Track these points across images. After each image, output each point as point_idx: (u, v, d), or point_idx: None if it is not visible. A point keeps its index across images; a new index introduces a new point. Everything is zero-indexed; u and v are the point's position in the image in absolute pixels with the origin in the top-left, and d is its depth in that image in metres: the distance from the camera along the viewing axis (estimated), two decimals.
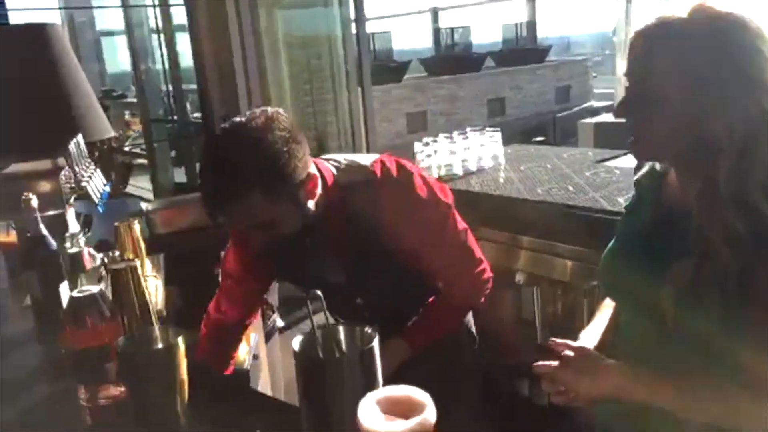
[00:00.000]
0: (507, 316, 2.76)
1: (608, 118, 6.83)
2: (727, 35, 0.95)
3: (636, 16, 9.16)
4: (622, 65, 9.05)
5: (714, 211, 0.96)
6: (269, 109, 1.31)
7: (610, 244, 1.22)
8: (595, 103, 9.95)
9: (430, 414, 0.74)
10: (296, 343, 0.99)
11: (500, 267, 2.61)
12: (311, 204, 1.35)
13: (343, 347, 1.01)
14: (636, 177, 1.20)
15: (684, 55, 0.96)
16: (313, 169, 1.36)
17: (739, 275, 0.94)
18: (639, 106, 1.01)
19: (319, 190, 1.36)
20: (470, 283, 1.56)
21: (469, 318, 1.74)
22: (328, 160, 1.47)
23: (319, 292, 1.05)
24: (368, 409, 0.76)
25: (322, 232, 1.41)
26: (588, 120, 6.61)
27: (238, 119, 1.31)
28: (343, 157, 1.48)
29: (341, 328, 1.02)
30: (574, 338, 2.41)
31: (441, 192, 1.48)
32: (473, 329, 1.76)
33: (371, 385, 0.95)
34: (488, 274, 1.58)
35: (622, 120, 1.06)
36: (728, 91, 0.94)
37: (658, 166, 1.16)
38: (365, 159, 1.46)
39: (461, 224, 1.53)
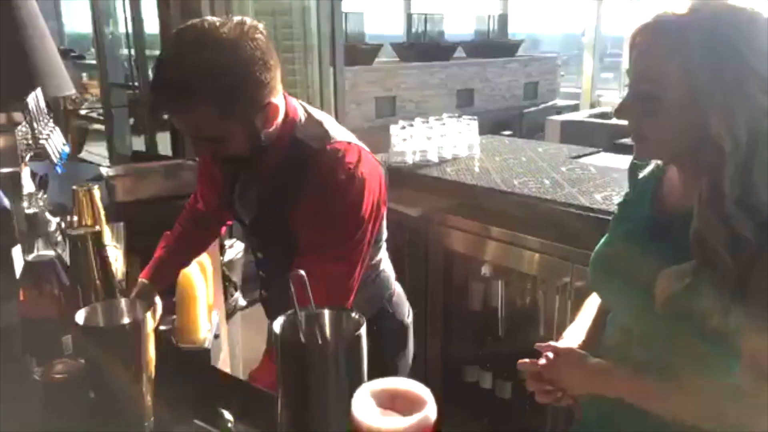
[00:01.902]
0: (472, 308, 2.74)
1: (575, 116, 6.90)
2: (729, 31, 0.92)
3: (606, 16, 9.28)
4: (589, 65, 9.15)
5: (716, 214, 0.93)
6: (247, 20, 1.21)
7: (602, 241, 1.19)
8: (560, 102, 10.05)
9: (430, 411, 0.68)
10: (277, 325, 0.92)
11: (469, 258, 2.59)
12: (264, 134, 1.29)
13: (327, 333, 0.95)
14: (640, 175, 1.16)
15: (683, 53, 0.92)
16: (279, 101, 1.28)
17: (739, 278, 0.92)
18: (641, 104, 0.98)
19: (278, 122, 1.30)
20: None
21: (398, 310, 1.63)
22: (306, 109, 1.39)
23: (302, 272, 0.97)
24: (363, 402, 0.69)
25: (255, 162, 1.35)
26: (556, 117, 6.65)
27: (212, 19, 1.21)
28: (325, 116, 1.40)
29: (326, 312, 0.95)
30: (532, 333, 2.42)
31: (369, 216, 1.33)
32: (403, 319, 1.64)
33: (356, 375, 0.89)
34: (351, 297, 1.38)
35: (623, 120, 1.02)
36: (730, 90, 0.91)
37: (659, 163, 1.13)
38: (340, 134, 1.37)
39: (354, 259, 1.35)
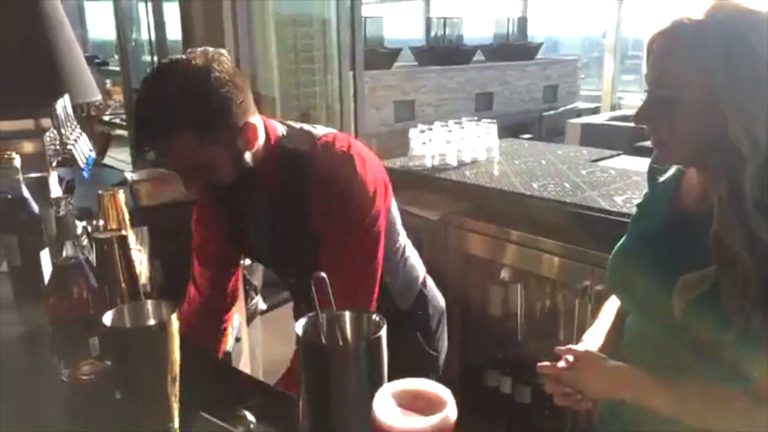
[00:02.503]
0: (492, 312, 2.74)
1: (595, 119, 6.85)
2: (746, 34, 0.92)
3: (627, 18, 9.21)
4: (610, 67, 9.09)
5: (735, 215, 0.93)
6: (210, 49, 1.27)
7: (620, 242, 1.19)
8: (580, 105, 9.99)
9: (451, 411, 0.69)
10: (299, 326, 0.93)
11: (488, 261, 2.59)
12: (248, 156, 1.32)
13: (348, 335, 0.96)
14: (661, 178, 1.16)
15: (701, 58, 0.93)
16: (256, 120, 1.32)
17: (760, 281, 0.91)
18: (660, 109, 0.98)
19: (260, 142, 1.34)
20: (353, 294, 1.36)
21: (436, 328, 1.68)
22: (284, 123, 1.45)
23: (323, 274, 0.98)
24: (384, 402, 0.71)
25: (254, 191, 1.40)
26: (576, 120, 6.61)
27: (177, 57, 1.28)
28: (301, 125, 1.45)
29: (347, 314, 0.96)
30: (552, 337, 2.41)
31: (377, 190, 1.39)
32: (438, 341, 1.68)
33: (377, 376, 0.90)
34: (374, 296, 1.41)
35: (642, 125, 1.02)
36: (748, 93, 0.91)
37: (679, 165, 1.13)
38: (321, 130, 1.44)
39: (376, 235, 1.40)
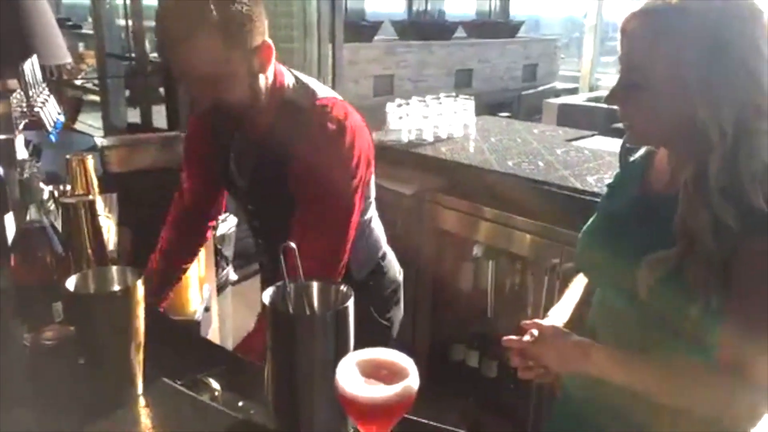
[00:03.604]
0: (462, 288, 2.76)
1: (572, 99, 6.88)
2: (719, 22, 0.92)
3: (608, 0, 9.22)
4: (590, 48, 9.11)
5: (702, 201, 0.94)
6: None
7: (589, 221, 1.20)
8: (559, 85, 10.01)
9: (413, 381, 0.70)
10: (266, 295, 0.93)
11: (461, 237, 2.61)
12: (262, 81, 1.34)
13: (315, 304, 0.96)
14: (632, 158, 1.17)
15: (673, 43, 0.93)
16: (271, 46, 1.34)
17: (721, 263, 0.93)
18: (630, 91, 0.98)
19: (271, 68, 1.36)
20: (321, 261, 1.35)
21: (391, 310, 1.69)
22: (293, 73, 1.46)
23: (292, 244, 0.98)
24: (347, 371, 0.71)
25: (244, 126, 1.43)
26: (553, 100, 6.64)
27: None
28: (308, 81, 1.46)
29: (315, 284, 0.96)
30: (520, 313, 2.44)
31: (360, 164, 1.40)
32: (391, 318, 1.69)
33: (343, 346, 0.91)
34: (340, 266, 1.41)
35: (614, 106, 1.03)
36: (718, 81, 0.91)
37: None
38: (327, 92, 1.45)
39: (350, 207, 1.41)
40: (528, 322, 1.17)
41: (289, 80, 1.42)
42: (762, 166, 0.92)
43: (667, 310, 1.01)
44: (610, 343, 1.07)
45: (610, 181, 1.25)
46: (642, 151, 1.15)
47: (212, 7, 1.22)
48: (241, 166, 1.52)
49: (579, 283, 1.30)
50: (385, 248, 1.69)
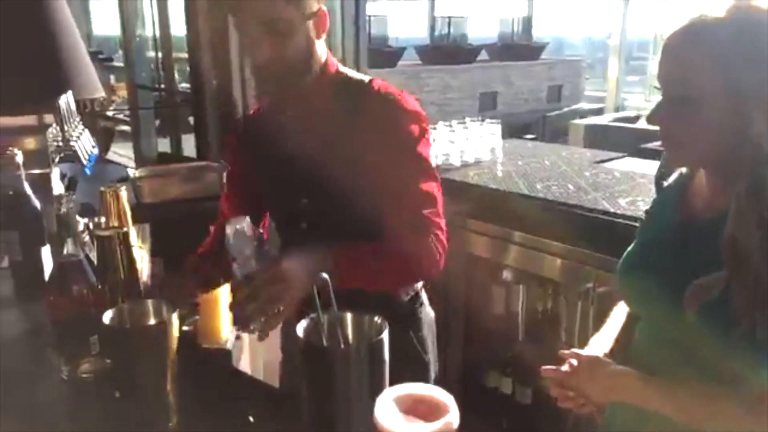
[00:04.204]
0: (493, 313, 2.73)
1: (599, 120, 6.84)
2: (765, 32, 0.90)
3: (632, 19, 9.19)
4: (615, 68, 9.07)
5: (755, 219, 0.91)
6: None
7: (629, 249, 1.18)
8: (584, 105, 9.97)
9: (453, 417, 0.69)
10: (300, 328, 0.93)
11: (490, 262, 2.58)
12: (317, 48, 1.34)
13: (350, 336, 0.95)
14: (667, 183, 1.15)
15: (723, 56, 0.91)
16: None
17: None
18: (676, 109, 0.96)
19: (323, 44, 1.35)
20: (420, 233, 1.34)
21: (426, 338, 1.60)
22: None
23: (326, 275, 0.98)
24: (386, 407, 0.70)
25: (303, 109, 1.40)
26: (579, 121, 6.60)
27: None
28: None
29: (349, 316, 0.96)
30: (553, 338, 2.39)
31: (428, 125, 1.41)
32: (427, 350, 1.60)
33: (378, 378, 0.90)
34: (444, 236, 1.40)
35: (656, 126, 1.01)
36: None
37: (684, 170, 1.12)
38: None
39: (432, 176, 1.39)
40: (567, 351, 1.15)
41: (338, 63, 1.43)
42: None
43: (712, 340, 0.98)
44: (654, 374, 1.05)
45: (644, 204, 1.23)
46: (675, 175, 1.13)
47: None
48: (304, 146, 1.42)
49: (620, 311, 1.27)
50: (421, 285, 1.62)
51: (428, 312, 1.61)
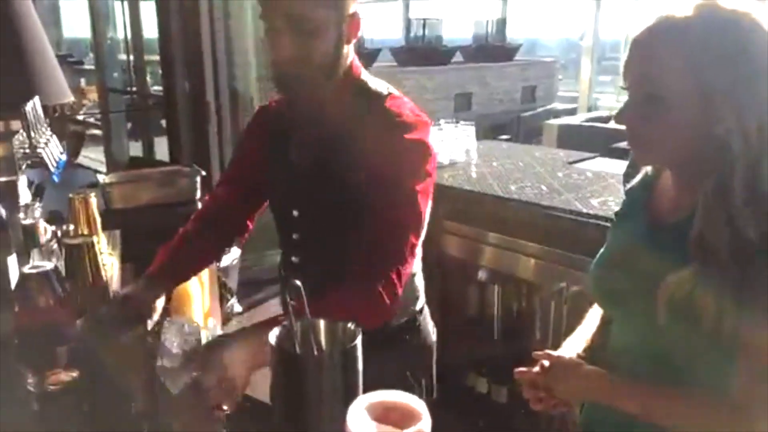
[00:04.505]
0: (469, 314, 2.74)
1: (572, 120, 6.91)
2: (733, 30, 0.92)
3: (604, 21, 9.30)
4: (587, 69, 9.17)
5: (723, 216, 0.92)
6: None
7: (600, 252, 1.19)
8: (558, 105, 10.06)
9: (425, 424, 0.68)
10: (273, 336, 0.92)
11: (465, 263, 2.59)
12: (345, 51, 1.28)
13: (323, 343, 0.95)
14: (629, 185, 1.16)
15: (692, 54, 0.92)
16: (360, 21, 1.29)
17: (739, 280, 0.91)
18: (645, 108, 0.96)
19: (352, 48, 1.30)
20: (371, 278, 1.21)
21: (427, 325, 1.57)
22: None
23: (298, 282, 0.97)
24: (358, 415, 0.70)
25: (314, 114, 1.34)
26: (553, 121, 6.65)
27: None
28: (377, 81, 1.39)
29: (322, 323, 0.95)
30: (528, 338, 2.41)
31: (432, 163, 1.32)
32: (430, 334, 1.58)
33: (352, 386, 0.89)
34: (403, 273, 1.25)
35: (623, 125, 1.01)
36: (743, 89, 0.91)
37: (650, 171, 1.13)
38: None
39: (413, 210, 1.29)
40: (539, 352, 1.15)
41: (364, 72, 1.37)
42: None
43: (681, 340, 1.00)
44: (627, 375, 1.06)
45: (616, 206, 1.24)
46: (639, 177, 1.14)
47: None
48: (303, 151, 1.38)
49: (595, 313, 1.28)
50: (423, 302, 1.56)
51: (427, 336, 1.55)
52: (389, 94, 1.34)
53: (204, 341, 1.21)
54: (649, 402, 1.01)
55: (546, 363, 1.12)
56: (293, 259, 1.47)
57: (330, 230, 1.35)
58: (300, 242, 1.43)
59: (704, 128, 0.93)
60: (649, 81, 0.95)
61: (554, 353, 1.15)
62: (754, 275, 0.90)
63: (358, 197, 1.25)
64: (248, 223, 1.60)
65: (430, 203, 1.33)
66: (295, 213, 1.41)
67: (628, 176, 1.19)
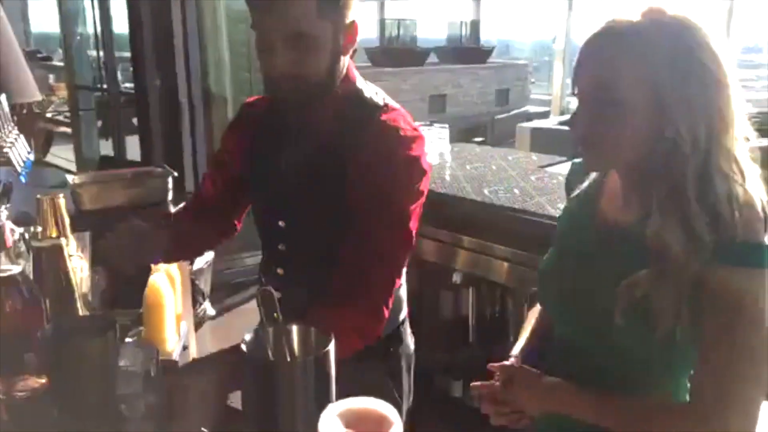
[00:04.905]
0: (443, 317, 2.75)
1: (544, 123, 6.98)
2: (683, 35, 0.94)
3: (576, 24, 9.41)
4: (560, 72, 9.27)
5: (677, 217, 0.94)
6: None
7: (547, 257, 1.19)
8: (531, 108, 10.15)
9: (396, 430, 0.69)
10: (245, 341, 0.91)
11: (439, 266, 2.60)
12: (342, 63, 1.25)
13: (296, 349, 0.95)
14: (578, 190, 1.16)
15: (642, 57, 0.94)
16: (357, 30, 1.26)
17: (694, 282, 0.94)
18: (598, 112, 0.97)
19: (346, 63, 1.27)
20: (348, 305, 1.18)
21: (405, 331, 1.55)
22: (362, 77, 1.36)
23: (271, 288, 0.97)
24: (330, 422, 0.70)
25: (306, 121, 1.30)
26: (526, 124, 6.70)
27: None
28: (375, 89, 1.35)
29: (294, 328, 0.95)
30: (502, 341, 2.42)
31: (425, 181, 1.30)
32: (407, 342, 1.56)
33: (325, 392, 0.89)
34: (388, 296, 1.27)
35: (575, 129, 1.02)
36: (690, 90, 0.93)
37: (594, 176, 1.14)
38: (385, 100, 1.34)
39: (401, 229, 1.27)
40: (496, 365, 1.16)
41: (360, 81, 1.33)
42: (739, 190, 0.94)
43: (633, 345, 1.01)
44: (575, 382, 1.06)
45: (559, 214, 1.25)
46: (586, 183, 1.15)
47: None
48: (295, 162, 1.34)
49: (533, 317, 1.29)
50: (406, 313, 1.54)
51: (407, 345, 1.55)
52: (385, 105, 1.31)
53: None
54: (617, 414, 1.01)
55: (505, 376, 1.12)
56: (278, 270, 1.42)
57: (319, 243, 1.32)
58: (286, 253, 1.40)
59: (656, 131, 0.95)
60: (602, 85, 0.96)
61: (513, 365, 1.15)
62: (710, 276, 0.93)
63: (350, 212, 1.24)
64: (236, 223, 1.57)
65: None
66: (282, 224, 1.38)
67: (570, 183, 1.21)
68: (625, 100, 0.95)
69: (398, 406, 1.46)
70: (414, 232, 1.28)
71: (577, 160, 1.22)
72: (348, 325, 1.12)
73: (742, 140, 0.97)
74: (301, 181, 1.32)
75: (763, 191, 0.98)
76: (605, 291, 1.00)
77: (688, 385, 1.04)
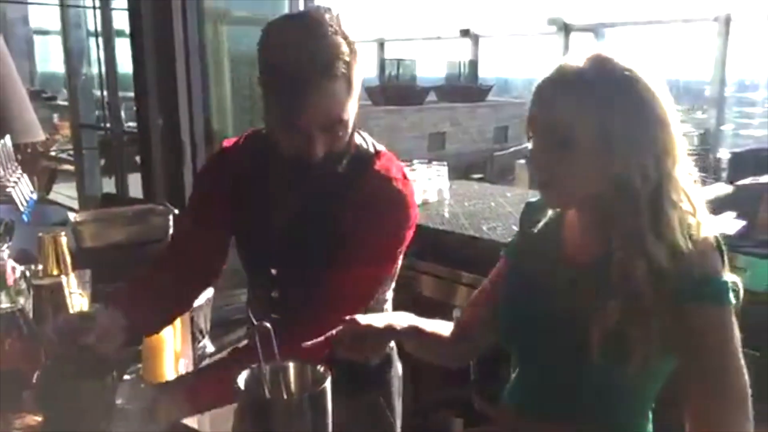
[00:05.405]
0: None
1: None
2: (625, 78, 0.98)
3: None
4: None
5: (637, 248, 0.98)
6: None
7: (506, 291, 1.20)
8: (529, 145, 10.24)
9: None
10: (241, 380, 0.92)
11: (439, 302, 2.60)
12: (357, 135, 1.29)
13: (292, 387, 0.95)
14: (537, 227, 1.17)
15: (588, 100, 0.98)
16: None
17: (661, 312, 0.97)
18: (556, 152, 1.01)
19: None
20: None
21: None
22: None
23: (268, 325, 0.97)
24: None
25: (304, 171, 1.27)
26: (524, 161, 6.78)
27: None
28: (362, 137, 1.36)
29: (291, 366, 0.96)
30: (505, 378, 2.41)
31: (411, 228, 1.34)
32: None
33: (321, 429, 0.89)
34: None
35: (535, 169, 1.05)
36: (635, 128, 0.97)
37: (551, 213, 1.15)
38: (376, 147, 1.37)
39: (397, 262, 1.38)
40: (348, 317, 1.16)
41: (358, 137, 1.34)
42: (692, 221, 0.99)
43: (609, 374, 1.02)
44: (551, 417, 1.09)
45: (509, 250, 1.27)
46: (544, 220, 1.16)
47: (346, 48, 1.16)
48: (284, 211, 1.34)
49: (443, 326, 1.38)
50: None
51: (397, 369, 1.57)
52: (377, 152, 1.33)
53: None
54: None
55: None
56: (273, 315, 1.34)
57: (312, 286, 1.30)
58: (281, 300, 1.39)
59: (607, 168, 0.99)
60: (554, 128, 1.00)
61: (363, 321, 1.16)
62: (676, 314, 0.96)
63: (341, 254, 1.26)
64: (220, 268, 1.50)
65: None
66: (274, 272, 1.38)
67: (524, 219, 1.23)
68: (576, 141, 0.99)
69: (392, 428, 1.55)
70: (396, 268, 1.40)
71: (531, 200, 1.24)
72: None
73: (687, 174, 1.02)
74: (294, 231, 1.33)
75: (713, 223, 1.03)
76: (573, 330, 1.02)
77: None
